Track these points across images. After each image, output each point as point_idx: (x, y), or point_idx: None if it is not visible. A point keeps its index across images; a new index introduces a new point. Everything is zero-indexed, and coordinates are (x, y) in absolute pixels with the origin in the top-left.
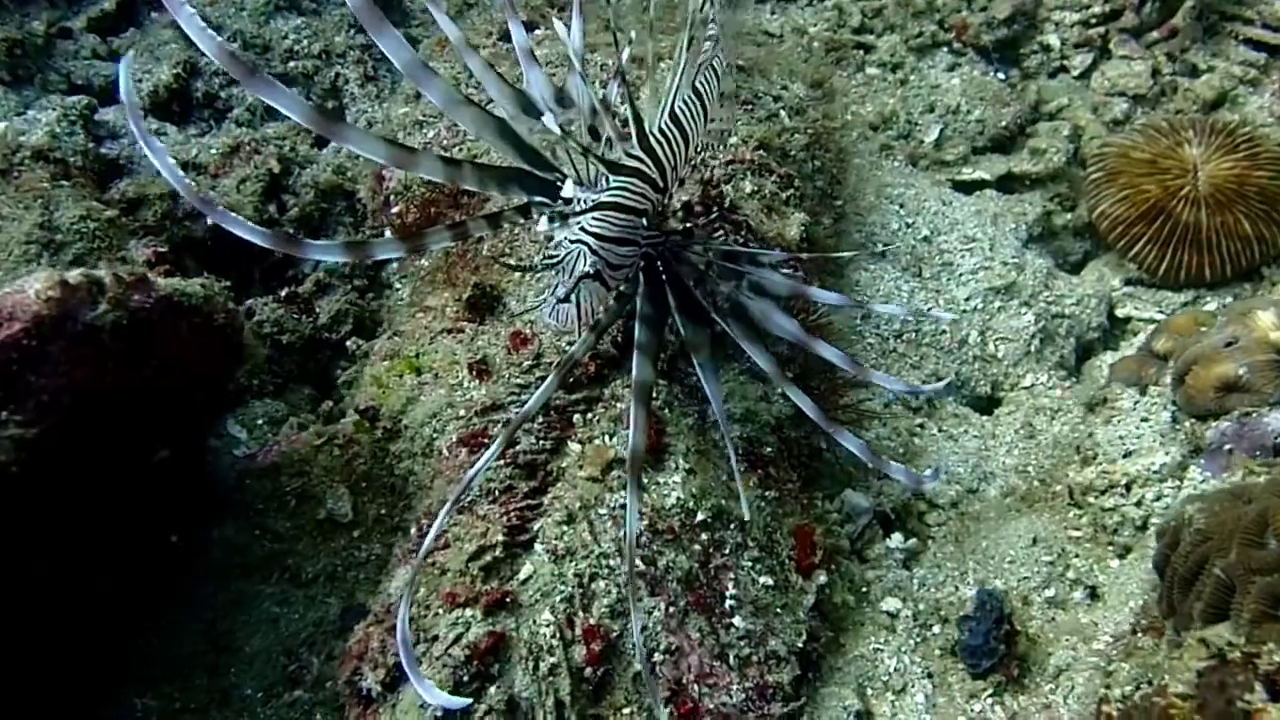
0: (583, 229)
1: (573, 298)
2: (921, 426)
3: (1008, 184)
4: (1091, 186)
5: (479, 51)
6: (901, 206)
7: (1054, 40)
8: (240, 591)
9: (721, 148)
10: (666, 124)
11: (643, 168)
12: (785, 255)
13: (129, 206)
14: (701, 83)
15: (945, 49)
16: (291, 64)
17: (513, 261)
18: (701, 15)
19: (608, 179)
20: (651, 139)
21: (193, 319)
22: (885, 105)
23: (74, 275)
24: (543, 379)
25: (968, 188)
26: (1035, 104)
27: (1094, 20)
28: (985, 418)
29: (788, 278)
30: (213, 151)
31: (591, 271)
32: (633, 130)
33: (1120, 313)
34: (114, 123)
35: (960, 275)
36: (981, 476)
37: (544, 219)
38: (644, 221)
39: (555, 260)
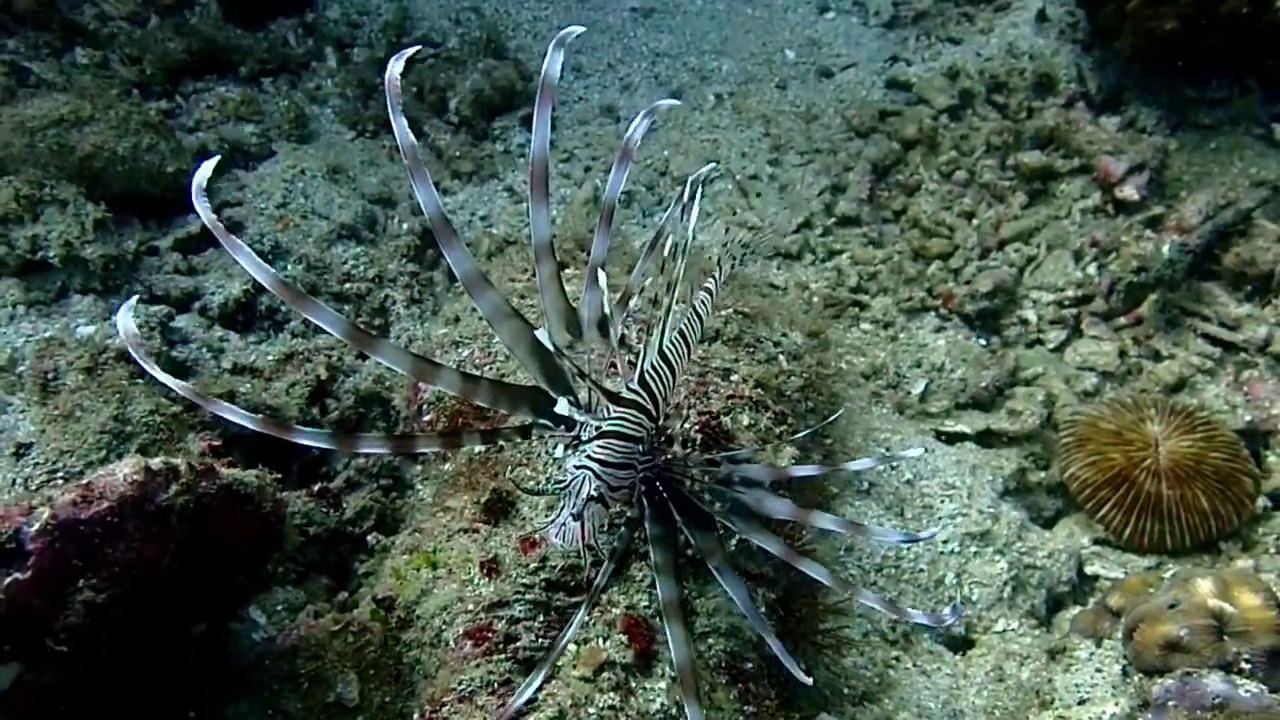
0: (589, 456)
1: (586, 520)
2: (897, 659)
3: (986, 439)
4: (1063, 449)
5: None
6: (887, 447)
7: (1031, 315)
8: None
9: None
10: (657, 360)
11: (640, 399)
12: (772, 472)
13: (191, 405)
14: (686, 325)
15: (933, 313)
16: (347, 285)
17: (529, 483)
18: (704, 265)
19: (609, 410)
20: (646, 375)
21: (245, 506)
22: (876, 357)
23: (156, 463)
24: (546, 580)
25: (949, 439)
26: (1013, 370)
27: (1067, 302)
28: (958, 657)
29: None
30: (269, 357)
31: (596, 495)
32: (636, 365)
33: (1089, 570)
34: (185, 329)
35: (939, 518)
36: (951, 714)
37: (560, 446)
38: (640, 448)
39: (563, 484)
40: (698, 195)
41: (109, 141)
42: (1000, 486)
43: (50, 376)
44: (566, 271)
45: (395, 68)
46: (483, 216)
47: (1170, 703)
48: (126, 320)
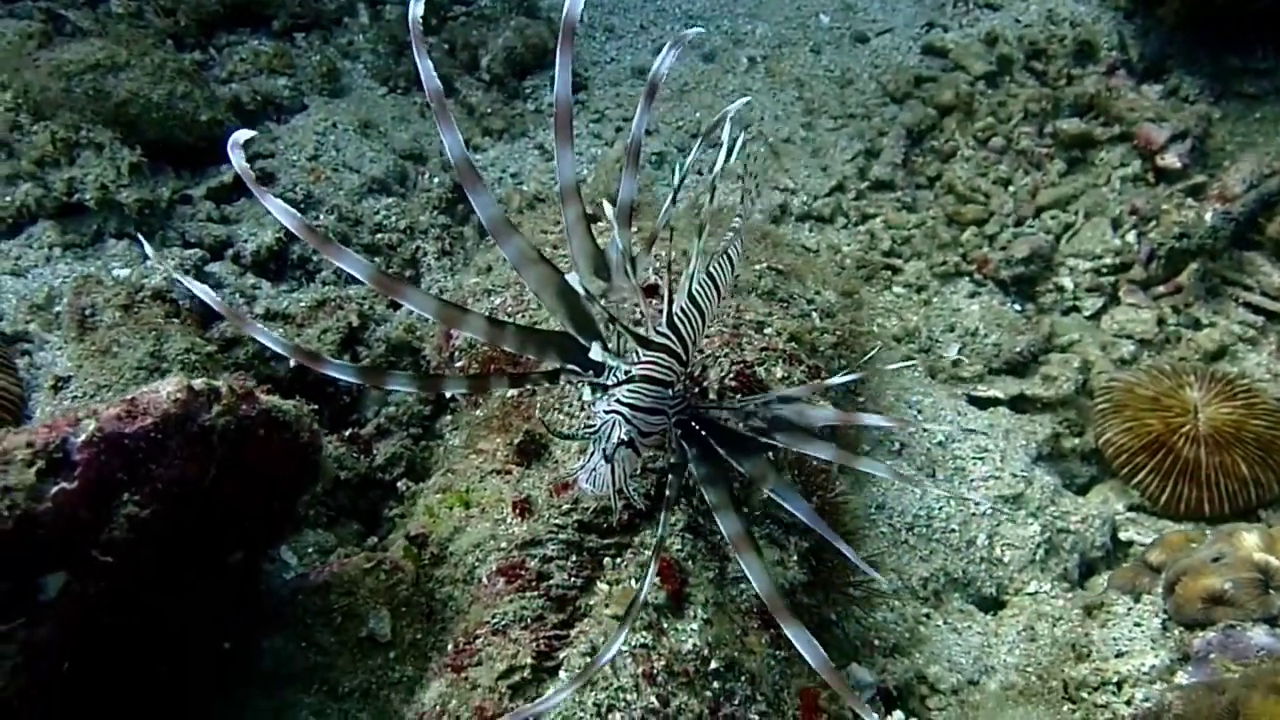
0: (619, 401)
1: (615, 465)
2: (928, 616)
3: (1019, 404)
4: (1098, 416)
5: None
6: (919, 412)
7: (1068, 282)
8: (282, 699)
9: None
10: (686, 305)
11: (669, 343)
12: (801, 390)
13: (225, 345)
14: (716, 268)
15: (967, 278)
16: (379, 235)
17: (561, 428)
18: (723, 212)
19: (639, 354)
20: (675, 318)
21: (284, 433)
22: (909, 321)
23: (198, 383)
24: (579, 522)
25: (982, 403)
26: (1048, 336)
27: (1105, 270)
28: (989, 616)
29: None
30: (301, 304)
31: (626, 439)
32: (664, 310)
33: (1123, 536)
34: (219, 275)
35: (972, 480)
36: (983, 669)
37: (586, 389)
38: (670, 392)
39: (593, 430)
40: (726, 133)
41: (144, 88)
42: (1033, 452)
43: (88, 313)
44: (599, 225)
45: (416, 9)
46: (514, 174)
47: (1212, 654)
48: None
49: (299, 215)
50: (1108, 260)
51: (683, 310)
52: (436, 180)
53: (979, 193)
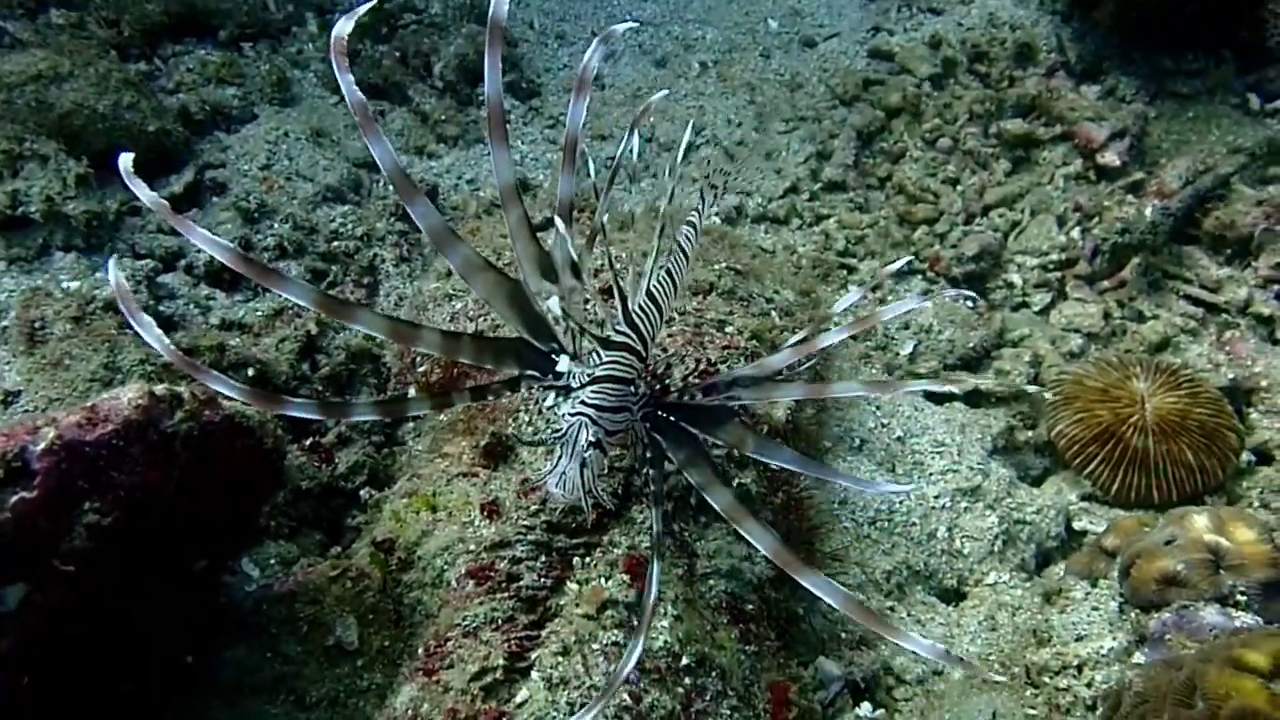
0: (584, 402)
1: (585, 469)
2: (892, 609)
3: (974, 399)
4: (1050, 408)
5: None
6: (878, 409)
7: (1016, 279)
8: (248, 708)
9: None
10: (645, 302)
11: (629, 341)
12: (755, 371)
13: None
14: (672, 264)
15: (920, 276)
16: (335, 244)
17: (527, 429)
18: (679, 211)
19: (600, 355)
20: (634, 315)
21: (247, 439)
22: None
23: (160, 389)
24: (548, 523)
25: (938, 399)
26: (1000, 331)
27: (1051, 265)
28: (951, 608)
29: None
30: (258, 313)
31: (594, 440)
32: (619, 309)
33: (1077, 526)
34: (173, 285)
35: (930, 474)
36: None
37: (550, 395)
38: (632, 389)
39: (560, 434)
40: (685, 136)
41: (89, 99)
42: (989, 445)
43: (37, 326)
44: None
45: (342, 27)
46: (469, 180)
47: (1168, 635)
48: (117, 274)
49: (229, 245)
50: (1054, 256)
51: (641, 308)
52: (391, 188)
53: (929, 192)
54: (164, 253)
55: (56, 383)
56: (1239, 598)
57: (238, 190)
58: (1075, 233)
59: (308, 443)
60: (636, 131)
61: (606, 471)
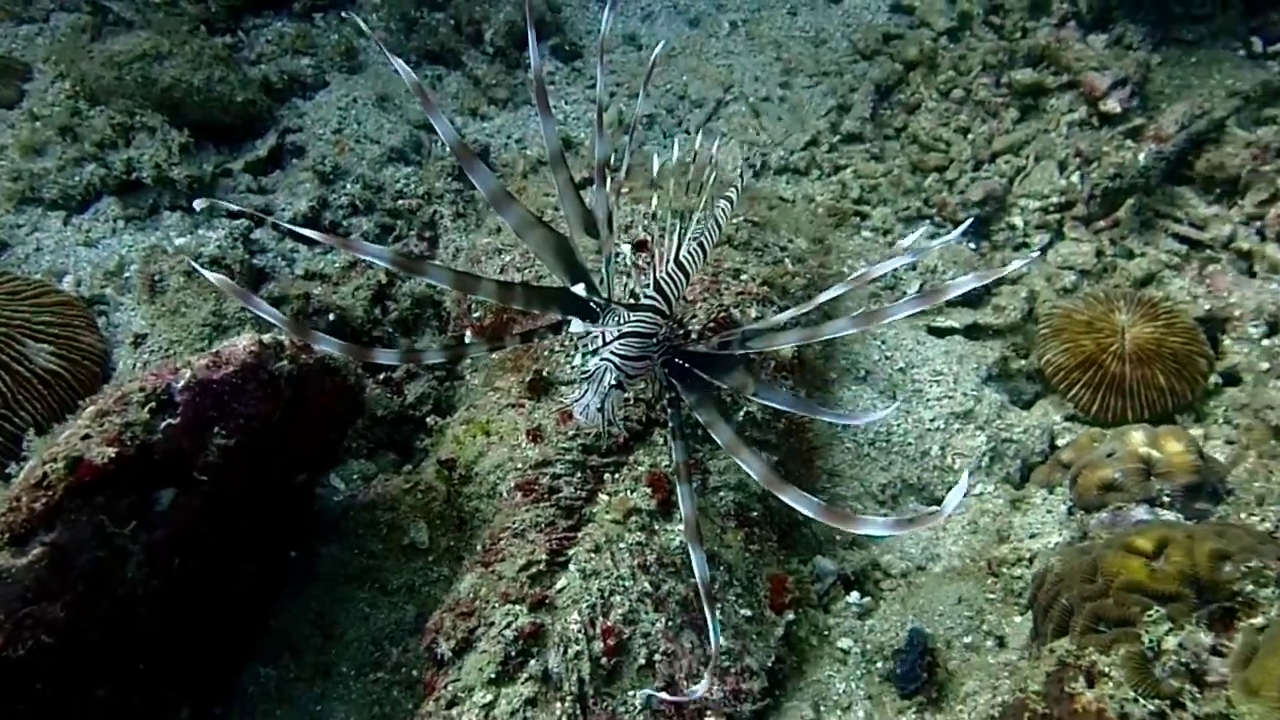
0: (611, 351)
1: (605, 403)
2: (885, 515)
3: (973, 332)
4: (1041, 339)
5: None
6: (883, 342)
7: (1019, 221)
8: (341, 594)
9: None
10: (673, 270)
11: (655, 303)
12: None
13: (273, 303)
14: (705, 234)
15: (928, 221)
16: (400, 201)
17: (564, 375)
18: (725, 177)
19: (628, 314)
20: (661, 281)
21: (334, 376)
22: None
23: (268, 337)
24: (582, 445)
25: (939, 333)
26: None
27: (1052, 208)
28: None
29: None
30: (336, 265)
31: (615, 383)
32: (651, 277)
33: (1060, 443)
34: (263, 240)
35: (928, 401)
36: (930, 557)
37: (580, 347)
38: (654, 340)
39: (588, 374)
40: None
41: (186, 74)
42: (984, 373)
43: (157, 279)
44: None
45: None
46: (518, 140)
47: (1103, 531)
48: (220, 277)
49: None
50: (1054, 199)
51: (670, 275)
52: (449, 149)
53: (941, 141)
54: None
55: (175, 327)
56: (1164, 499)
57: (314, 154)
58: (1075, 177)
59: (382, 377)
60: (646, 90)
61: (626, 404)
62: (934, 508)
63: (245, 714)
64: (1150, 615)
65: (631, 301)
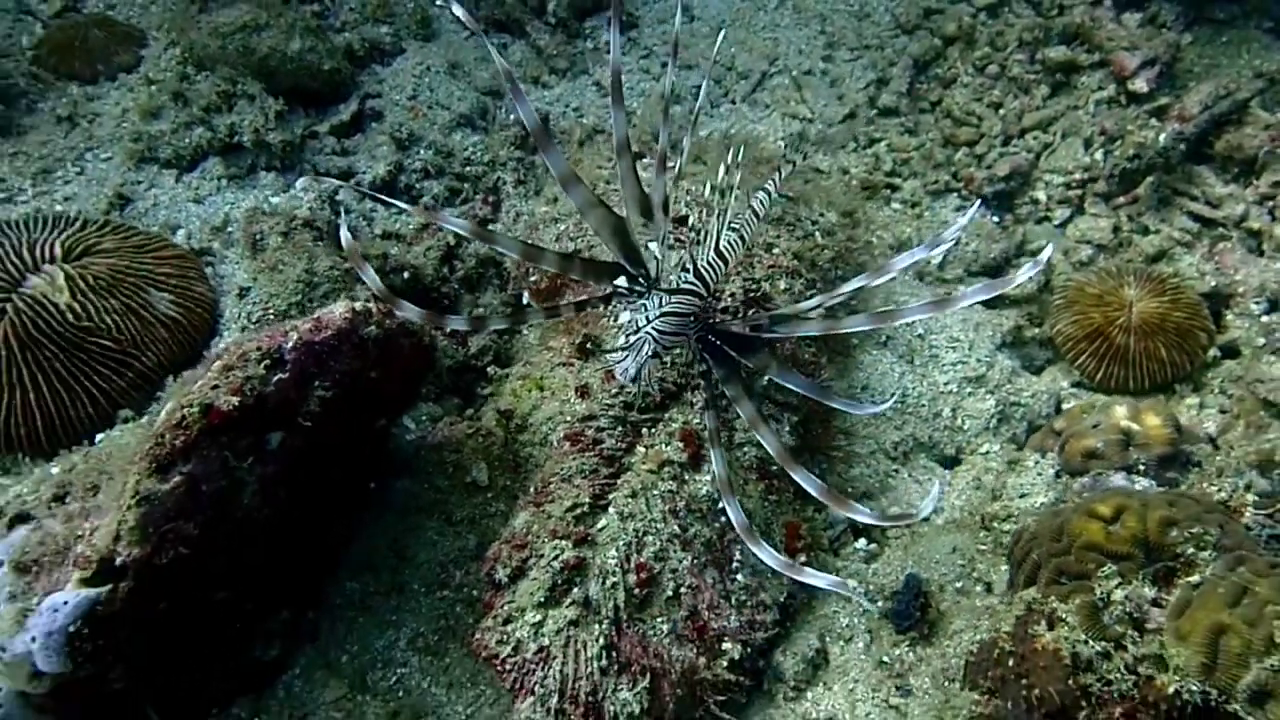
0: (653, 327)
1: (640, 370)
2: (897, 471)
3: (990, 301)
4: (1054, 310)
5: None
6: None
7: (1042, 195)
8: (413, 522)
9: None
10: (713, 258)
11: (695, 287)
12: (789, 311)
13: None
14: (744, 223)
15: (955, 194)
16: (467, 168)
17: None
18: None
19: (668, 297)
20: (702, 269)
21: (412, 338)
22: (904, 232)
23: (359, 305)
24: (624, 403)
25: None
26: (1021, 242)
27: (1074, 184)
28: (947, 471)
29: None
30: (410, 226)
31: (653, 353)
32: (692, 264)
33: (1065, 407)
34: (345, 200)
35: (943, 365)
36: (935, 511)
37: (622, 327)
38: (690, 319)
39: (630, 344)
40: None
41: (280, 44)
42: (998, 340)
43: (258, 238)
44: (644, 160)
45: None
46: (575, 108)
47: (1085, 494)
48: (346, 235)
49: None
50: (1077, 175)
51: (710, 264)
52: (513, 117)
53: (973, 116)
54: (337, 172)
55: (274, 282)
56: (1140, 468)
57: (391, 120)
58: (1099, 154)
59: (449, 330)
60: (672, 65)
61: (664, 367)
62: (912, 510)
63: (333, 620)
64: (1104, 571)
65: (675, 285)
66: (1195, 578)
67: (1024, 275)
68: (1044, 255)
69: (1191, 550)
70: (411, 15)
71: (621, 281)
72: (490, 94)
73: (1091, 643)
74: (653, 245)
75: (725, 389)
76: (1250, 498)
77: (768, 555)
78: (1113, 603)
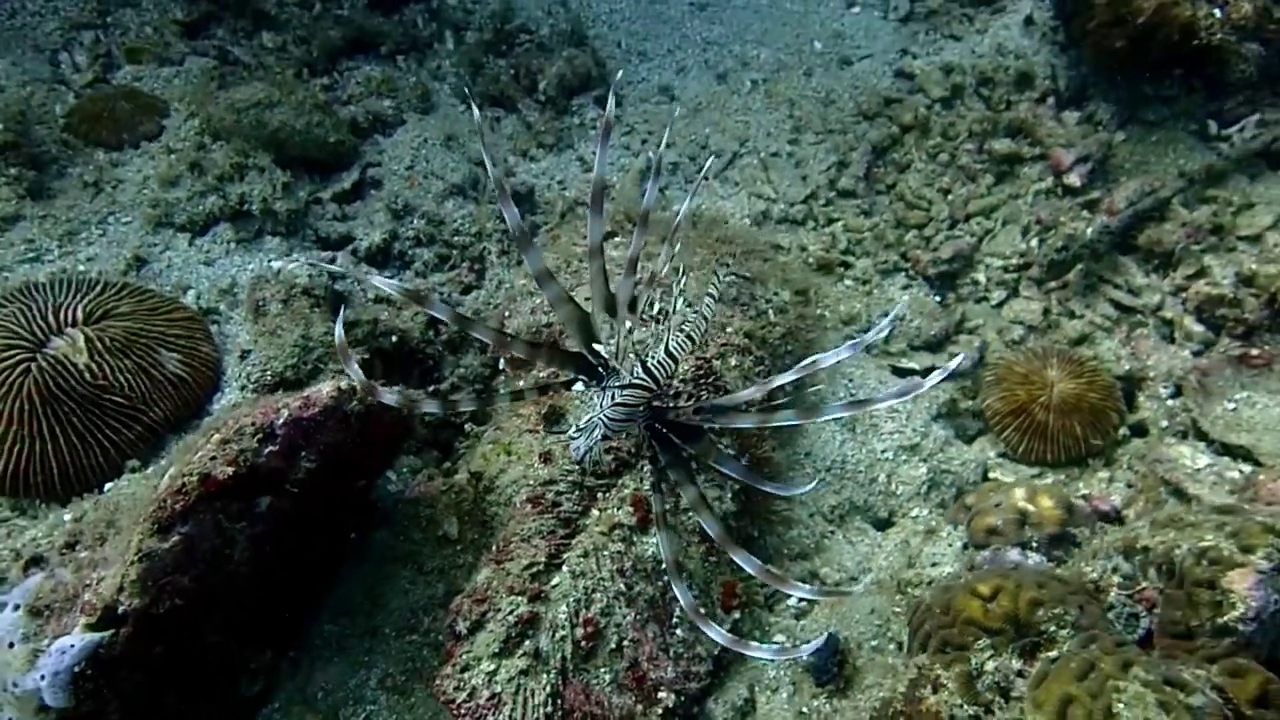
0: (604, 414)
1: (589, 451)
2: (832, 533)
3: (930, 373)
4: (985, 385)
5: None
6: (850, 380)
7: (982, 277)
8: (388, 571)
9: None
10: (664, 359)
11: (645, 382)
12: (726, 402)
13: (348, 325)
14: (692, 326)
15: (902, 274)
16: (455, 237)
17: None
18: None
19: (619, 392)
20: (652, 369)
21: (392, 413)
22: (853, 308)
23: (344, 383)
24: (581, 470)
25: (901, 373)
26: (960, 320)
27: (1011, 268)
28: (879, 533)
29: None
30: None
31: (604, 435)
32: (641, 362)
33: (992, 476)
34: (342, 264)
35: (881, 434)
36: (862, 570)
37: (575, 423)
38: (640, 408)
39: (583, 429)
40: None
41: (290, 119)
42: (934, 411)
43: (260, 304)
44: (616, 239)
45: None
46: (559, 181)
47: (985, 566)
48: (339, 331)
49: (398, 286)
50: (1014, 260)
51: (659, 363)
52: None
53: (924, 200)
54: (337, 237)
55: (273, 346)
56: (1034, 545)
57: (389, 189)
58: (1034, 242)
59: (430, 388)
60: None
61: (620, 439)
62: (844, 588)
63: (311, 659)
64: (979, 645)
65: (628, 379)
66: (1053, 653)
67: (934, 380)
68: (953, 363)
69: (1053, 628)
70: (413, 89)
71: (579, 387)
72: (481, 164)
73: (966, 707)
74: (612, 342)
75: (670, 473)
76: (1116, 579)
77: (715, 634)
78: (985, 672)
